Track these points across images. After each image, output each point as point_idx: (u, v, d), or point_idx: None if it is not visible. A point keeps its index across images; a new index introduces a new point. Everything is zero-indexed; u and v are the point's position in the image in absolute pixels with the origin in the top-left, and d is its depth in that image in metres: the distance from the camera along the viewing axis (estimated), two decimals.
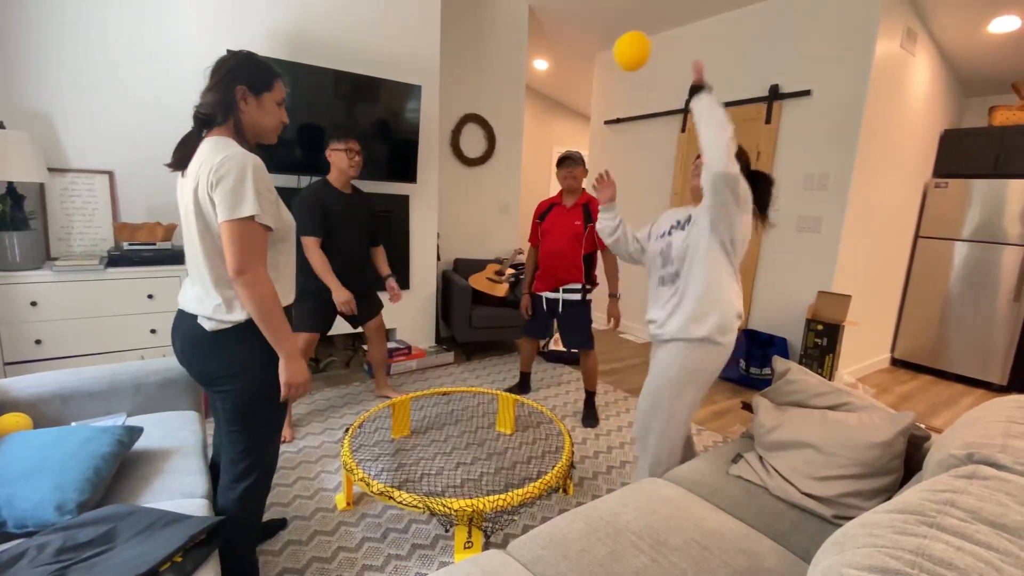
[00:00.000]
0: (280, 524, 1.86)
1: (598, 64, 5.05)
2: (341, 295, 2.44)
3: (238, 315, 1.27)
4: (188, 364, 1.35)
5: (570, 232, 2.71)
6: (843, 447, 1.46)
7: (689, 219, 1.75)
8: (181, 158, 1.26)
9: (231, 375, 1.30)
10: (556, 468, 1.83)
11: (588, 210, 2.72)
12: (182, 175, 1.27)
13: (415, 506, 1.61)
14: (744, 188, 1.62)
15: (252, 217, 1.18)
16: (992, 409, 1.19)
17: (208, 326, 1.27)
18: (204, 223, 1.22)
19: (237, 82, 1.25)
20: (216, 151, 1.19)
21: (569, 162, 2.69)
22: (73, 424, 1.60)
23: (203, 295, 1.28)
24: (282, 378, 1.29)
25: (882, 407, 1.59)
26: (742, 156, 1.74)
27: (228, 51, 1.33)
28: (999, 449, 0.97)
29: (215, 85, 1.25)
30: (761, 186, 1.77)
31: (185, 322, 1.32)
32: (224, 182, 1.16)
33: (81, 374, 1.73)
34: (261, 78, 1.29)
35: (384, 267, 2.81)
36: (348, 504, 1.98)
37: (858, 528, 0.81)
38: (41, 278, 2.35)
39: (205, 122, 1.26)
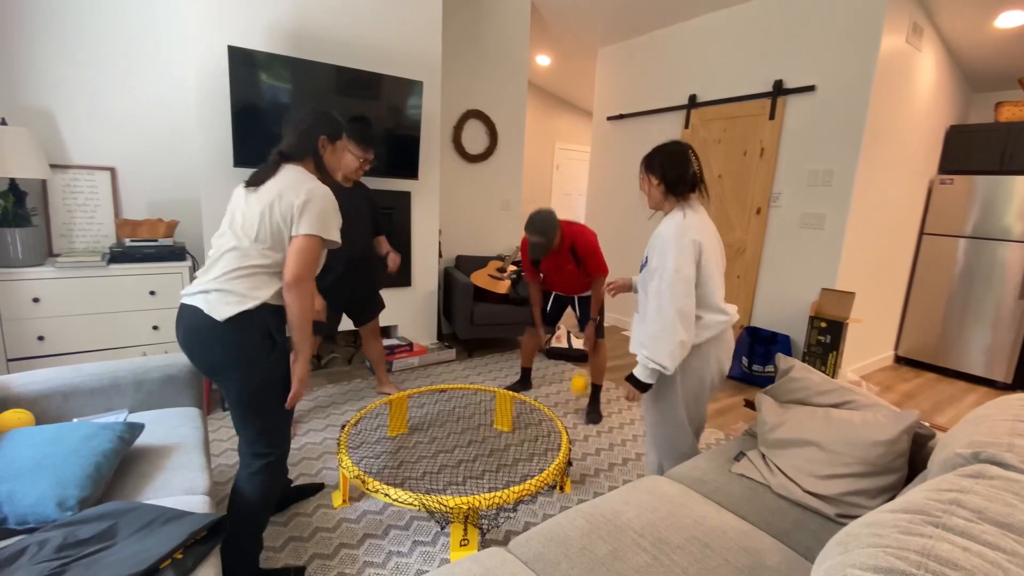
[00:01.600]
0: (319, 487, 2.06)
1: (600, 59, 5.02)
2: (317, 301, 2.43)
3: (259, 296, 1.38)
4: (192, 355, 1.42)
5: (568, 270, 2.69)
6: (846, 445, 1.45)
7: (646, 260, 1.75)
8: (260, 180, 1.46)
9: (234, 365, 1.37)
10: (552, 466, 1.83)
11: (575, 253, 2.62)
12: (254, 191, 1.45)
13: (411, 504, 1.60)
14: (673, 281, 1.60)
15: (323, 239, 1.42)
16: (998, 408, 1.18)
17: (219, 313, 1.35)
18: (269, 230, 1.40)
19: (319, 133, 1.54)
20: (303, 178, 1.45)
21: (541, 257, 2.61)
22: (75, 420, 1.60)
23: (225, 281, 1.38)
24: (296, 375, 1.45)
25: (886, 405, 1.58)
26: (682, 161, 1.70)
27: (311, 110, 1.57)
28: (1006, 448, 0.96)
29: (301, 133, 1.52)
30: (668, 164, 1.70)
31: (188, 314, 1.39)
32: (313, 205, 1.41)
33: (83, 370, 1.73)
34: (335, 131, 1.59)
35: (386, 246, 2.76)
36: (344, 501, 1.98)
37: (863, 528, 0.81)
38: (43, 274, 2.36)
39: (287, 156, 1.50)
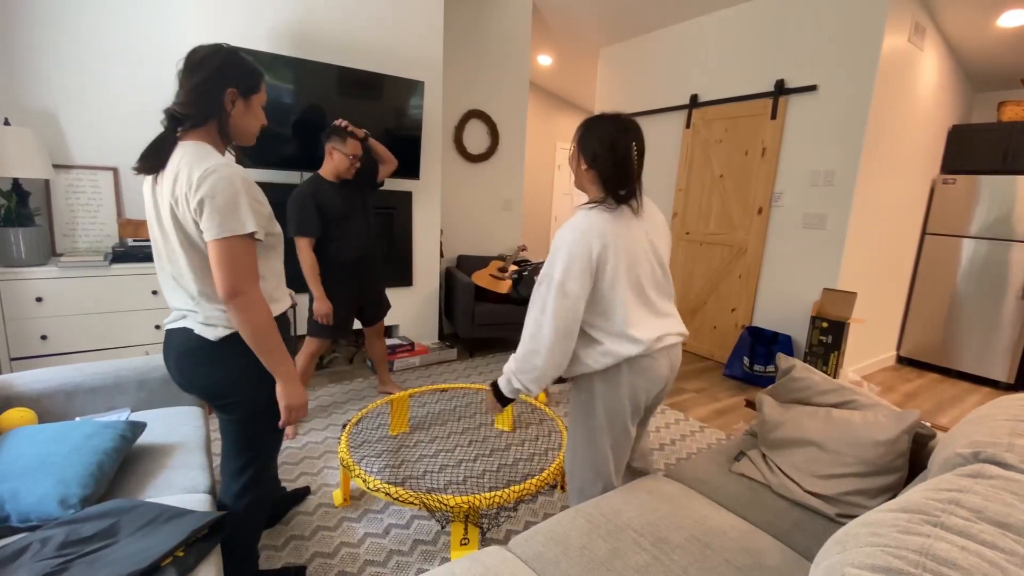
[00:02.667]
0: (304, 492, 2.00)
1: (602, 59, 5.02)
2: (323, 306, 2.44)
3: (231, 329, 1.22)
4: (189, 383, 1.27)
5: None
6: (847, 445, 1.45)
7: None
8: (156, 163, 1.15)
9: (237, 385, 1.25)
10: (553, 465, 1.83)
11: None
12: (154, 180, 1.17)
13: (411, 503, 1.61)
14: (556, 294, 1.33)
15: (246, 235, 1.13)
16: (999, 408, 1.18)
17: (211, 334, 1.21)
18: (187, 238, 1.15)
19: (227, 84, 1.17)
20: (195, 163, 1.10)
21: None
22: (77, 419, 1.61)
23: (195, 305, 1.22)
24: (282, 402, 1.23)
25: (887, 405, 1.58)
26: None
27: (204, 45, 1.18)
28: (1005, 448, 0.96)
29: (200, 84, 1.14)
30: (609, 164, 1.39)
31: (177, 338, 1.25)
32: (213, 200, 1.08)
33: (85, 370, 1.74)
34: (250, 80, 1.21)
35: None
36: (345, 500, 1.98)
37: (861, 527, 0.81)
38: (46, 274, 2.37)
39: (179, 121, 1.16)
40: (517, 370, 1.40)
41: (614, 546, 1.21)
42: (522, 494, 1.67)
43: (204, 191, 1.08)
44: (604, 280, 1.36)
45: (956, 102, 4.05)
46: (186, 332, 1.23)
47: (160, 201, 1.17)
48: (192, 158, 1.11)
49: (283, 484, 2.06)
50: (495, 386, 1.49)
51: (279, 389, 1.23)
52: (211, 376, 1.24)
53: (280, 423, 1.27)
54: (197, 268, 1.18)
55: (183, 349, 1.25)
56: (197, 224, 1.12)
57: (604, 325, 1.40)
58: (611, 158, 1.38)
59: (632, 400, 1.44)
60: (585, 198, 1.47)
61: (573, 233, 1.34)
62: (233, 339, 1.22)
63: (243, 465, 1.36)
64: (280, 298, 1.34)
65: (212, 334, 1.21)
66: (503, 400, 1.49)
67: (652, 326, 1.42)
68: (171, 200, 1.13)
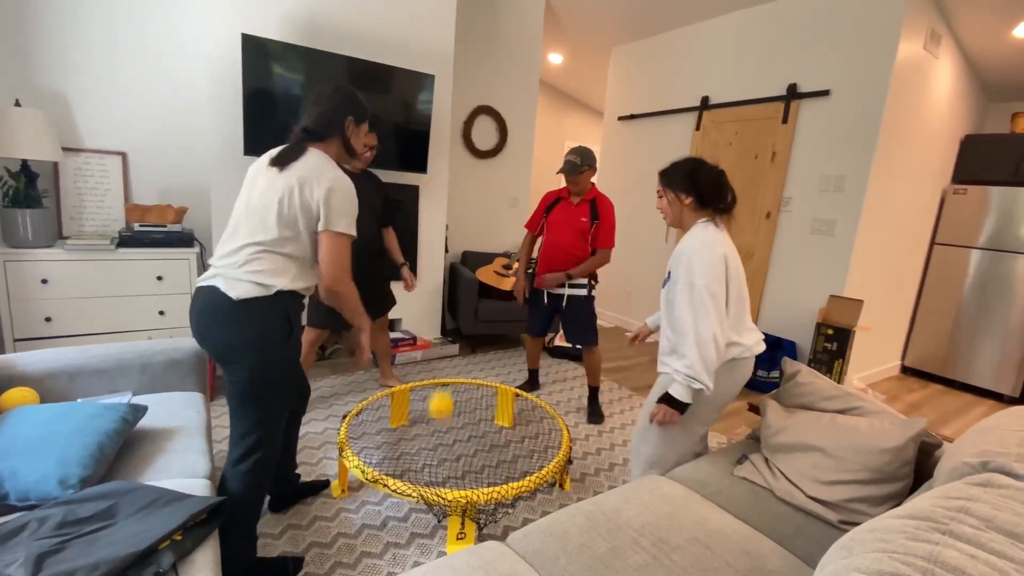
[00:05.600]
0: (325, 484, 2.02)
1: (613, 59, 4.99)
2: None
3: (272, 283, 1.36)
4: (204, 337, 1.39)
5: (576, 228, 2.67)
6: (852, 451, 1.43)
7: (669, 275, 1.67)
8: (287, 160, 1.42)
9: (248, 346, 1.34)
10: (552, 463, 1.82)
11: (595, 207, 2.68)
12: (279, 171, 1.41)
13: (409, 495, 1.60)
14: (704, 297, 1.50)
15: (350, 236, 1.42)
16: (1007, 418, 1.16)
17: (234, 293, 1.32)
18: (288, 213, 1.37)
19: (348, 113, 1.51)
20: (327, 167, 1.42)
21: (566, 174, 2.63)
22: (79, 400, 1.61)
23: (242, 260, 1.36)
24: (361, 345, 1.56)
25: (893, 412, 1.56)
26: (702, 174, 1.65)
27: (337, 86, 1.54)
28: (1015, 458, 0.95)
29: (330, 111, 1.48)
30: (707, 187, 1.64)
31: (205, 294, 1.37)
32: (340, 202, 1.39)
33: (88, 352, 1.74)
34: (362, 112, 1.56)
35: (398, 255, 2.80)
36: (343, 491, 1.98)
37: (868, 533, 0.79)
38: (52, 256, 2.37)
39: (310, 135, 1.47)
40: (693, 372, 1.49)
41: (613, 545, 1.20)
42: (520, 491, 1.66)
43: (335, 192, 1.39)
44: (729, 286, 1.55)
45: (969, 111, 4.01)
46: (213, 289, 1.35)
47: (273, 184, 1.39)
48: (325, 165, 1.43)
49: (297, 472, 2.06)
50: (669, 399, 1.57)
51: (364, 337, 1.57)
52: (224, 334, 1.35)
53: (363, 361, 1.57)
54: (279, 240, 1.38)
55: (206, 303, 1.36)
56: (314, 215, 1.39)
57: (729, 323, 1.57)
58: (704, 180, 1.63)
59: (728, 396, 1.65)
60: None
61: (702, 243, 1.54)
62: (251, 303, 1.34)
63: (247, 430, 1.41)
64: (309, 278, 1.49)
65: (235, 293, 1.32)
66: (683, 407, 1.57)
67: (750, 333, 1.65)
68: (294, 185, 1.37)
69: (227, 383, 1.39)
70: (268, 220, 1.38)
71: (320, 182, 1.38)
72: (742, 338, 1.61)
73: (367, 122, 1.60)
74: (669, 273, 1.66)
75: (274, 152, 1.47)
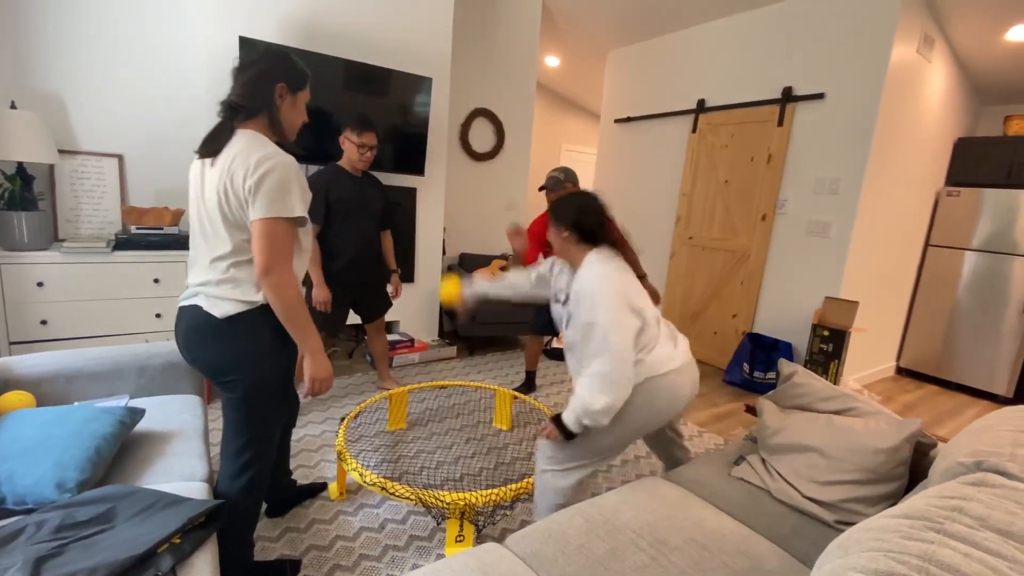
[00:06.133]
0: (323, 486, 2.00)
1: (610, 62, 5.02)
2: (321, 293, 2.43)
3: (255, 297, 1.27)
4: (194, 358, 1.32)
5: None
6: (848, 452, 1.44)
7: (567, 299, 1.64)
8: (216, 147, 1.25)
9: (240, 363, 1.28)
10: None
11: None
12: (211, 164, 1.25)
13: (408, 498, 1.60)
14: (608, 331, 1.46)
15: (290, 219, 1.22)
16: (1001, 419, 1.18)
17: (218, 312, 1.25)
18: (233, 217, 1.23)
19: (278, 79, 1.28)
20: (253, 147, 1.21)
21: (549, 190, 2.65)
22: (76, 404, 1.60)
23: (215, 276, 1.26)
24: (308, 372, 1.32)
25: (888, 413, 1.57)
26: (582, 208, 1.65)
27: (264, 49, 1.35)
28: (1008, 458, 0.96)
29: (255, 78, 1.27)
30: (587, 222, 1.63)
31: (188, 315, 1.30)
32: (268, 183, 1.18)
33: (85, 355, 1.73)
34: (298, 78, 1.34)
35: (391, 260, 2.81)
36: (341, 494, 1.98)
37: (863, 532, 0.80)
38: (48, 259, 2.36)
39: (236, 112, 1.26)
40: (592, 413, 1.45)
41: (612, 546, 1.21)
42: (519, 493, 1.67)
43: (260, 174, 1.17)
44: (644, 314, 1.54)
45: (962, 115, 4.05)
46: (196, 309, 1.28)
47: (208, 183, 1.24)
48: (251, 145, 1.21)
49: (293, 477, 2.05)
50: (558, 420, 1.55)
51: (306, 361, 1.32)
52: (214, 353, 1.28)
53: (303, 394, 1.36)
54: (237, 248, 1.25)
55: (191, 324, 1.29)
56: (247, 205, 1.20)
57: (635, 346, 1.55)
58: (588, 216, 1.64)
59: (652, 416, 1.59)
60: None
61: (597, 280, 1.52)
62: (237, 319, 1.26)
63: (242, 446, 1.37)
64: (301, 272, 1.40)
65: (219, 312, 1.25)
66: (569, 435, 1.54)
67: (665, 350, 1.61)
68: (224, 181, 1.20)
69: (222, 399, 1.35)
70: (219, 230, 1.24)
71: (247, 165, 1.18)
72: (651, 355, 1.56)
73: (306, 90, 1.37)
74: (569, 314, 1.62)
75: (201, 141, 1.28)
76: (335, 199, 2.44)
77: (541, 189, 2.68)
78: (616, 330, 1.47)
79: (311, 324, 1.30)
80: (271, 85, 1.28)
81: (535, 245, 2.74)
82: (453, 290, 1.97)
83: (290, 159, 1.24)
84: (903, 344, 4.25)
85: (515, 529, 1.87)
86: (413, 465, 2.23)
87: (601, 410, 1.44)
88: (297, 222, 1.25)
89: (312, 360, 1.32)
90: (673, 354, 1.61)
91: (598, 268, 1.56)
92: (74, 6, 2.57)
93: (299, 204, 1.23)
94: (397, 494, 1.61)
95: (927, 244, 4.09)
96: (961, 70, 3.82)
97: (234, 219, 1.23)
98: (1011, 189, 3.65)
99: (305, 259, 1.40)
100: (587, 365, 1.51)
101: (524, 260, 2.78)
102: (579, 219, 1.63)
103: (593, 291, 1.52)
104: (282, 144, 1.32)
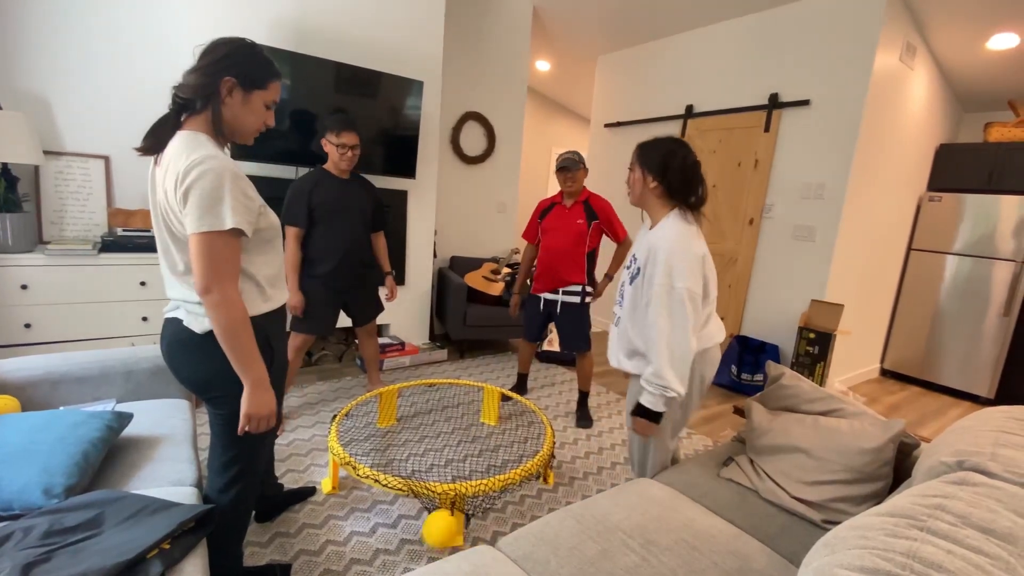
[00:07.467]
0: (311, 491, 1.98)
1: (600, 67, 5.06)
2: (293, 298, 2.42)
3: None
4: (177, 372, 1.28)
5: (573, 231, 2.68)
6: (834, 452, 1.47)
7: (638, 270, 1.57)
8: (155, 143, 1.13)
9: (224, 381, 1.21)
10: (537, 456, 1.86)
11: (589, 207, 2.69)
12: (156, 163, 1.14)
13: (399, 489, 1.63)
14: (684, 299, 1.45)
15: (226, 232, 1.09)
16: (982, 419, 1.21)
17: (197, 326, 1.19)
18: (179, 230, 1.14)
19: (227, 72, 1.14)
20: (185, 151, 1.08)
21: (565, 170, 2.64)
22: (62, 408, 1.58)
23: (189, 293, 1.20)
24: (244, 408, 1.18)
25: (873, 414, 1.60)
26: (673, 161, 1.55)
27: (225, 37, 1.19)
28: (989, 457, 0.98)
29: (202, 68, 1.13)
30: (676, 177, 1.55)
31: (170, 327, 1.25)
32: (195, 190, 1.05)
33: (71, 359, 1.71)
34: (256, 74, 1.18)
35: (385, 262, 2.79)
36: (334, 488, 1.99)
37: (849, 530, 0.82)
38: (33, 261, 2.33)
39: (184, 106, 1.15)
40: (664, 381, 1.45)
41: (604, 547, 1.22)
42: (507, 483, 1.71)
43: (188, 183, 1.06)
44: (707, 288, 1.53)
45: (944, 121, 4.13)
46: (177, 322, 1.24)
47: (157, 191, 1.16)
48: (184, 148, 1.09)
49: (280, 482, 2.02)
50: (642, 410, 1.53)
51: (244, 394, 1.18)
52: (197, 368, 1.24)
53: (237, 430, 1.22)
54: (184, 261, 1.18)
55: (173, 338, 1.25)
56: (178, 209, 1.10)
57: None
58: (676, 168, 1.53)
59: (702, 384, 1.63)
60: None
61: (679, 240, 1.47)
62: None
63: (229, 460, 1.34)
64: (278, 292, 1.34)
65: (199, 326, 1.20)
66: (657, 417, 1.53)
67: (712, 322, 1.63)
68: (168, 187, 1.11)
69: (208, 413, 1.31)
70: (170, 245, 1.16)
71: (175, 174, 1.06)
72: (707, 327, 1.60)
73: (268, 89, 1.21)
74: (639, 268, 1.56)
75: (143, 137, 1.14)
76: (318, 202, 2.42)
77: (559, 170, 2.65)
78: (690, 298, 1.44)
79: (255, 351, 1.17)
80: (216, 78, 1.13)
81: (533, 220, 2.86)
82: (445, 536, 1.62)
83: (225, 163, 1.09)
84: (887, 346, 4.32)
85: (507, 532, 1.87)
86: (402, 455, 2.24)
87: (678, 381, 1.45)
88: (234, 234, 1.11)
89: (253, 394, 1.17)
90: (721, 327, 1.67)
91: (682, 227, 1.50)
92: (60, 6, 2.55)
93: (231, 215, 1.08)
94: (389, 485, 1.65)
95: (910, 248, 4.17)
96: (943, 77, 3.90)
97: (182, 235, 1.12)
98: (991, 194, 3.73)
99: (278, 265, 1.33)
100: (650, 327, 1.48)
101: (525, 235, 2.91)
102: (675, 174, 1.52)
103: (673, 251, 1.45)
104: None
